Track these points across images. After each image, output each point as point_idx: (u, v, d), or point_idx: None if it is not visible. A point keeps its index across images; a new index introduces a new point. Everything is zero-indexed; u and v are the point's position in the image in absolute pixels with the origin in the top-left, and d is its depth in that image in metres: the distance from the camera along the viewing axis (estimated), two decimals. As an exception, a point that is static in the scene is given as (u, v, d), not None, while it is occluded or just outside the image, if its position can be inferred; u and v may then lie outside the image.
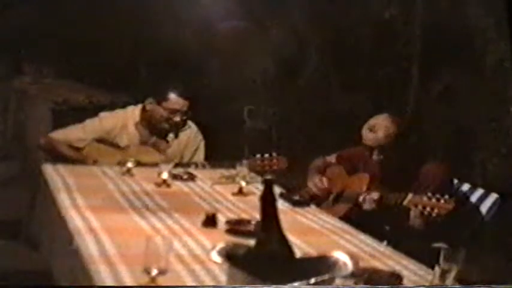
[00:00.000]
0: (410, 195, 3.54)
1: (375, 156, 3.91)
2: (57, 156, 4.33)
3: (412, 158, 3.85)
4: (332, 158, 4.27)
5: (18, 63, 6.37)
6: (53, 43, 5.96)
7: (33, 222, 3.85)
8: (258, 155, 4.19)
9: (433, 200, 3.42)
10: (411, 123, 4.30)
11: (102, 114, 4.56)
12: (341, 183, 4.01)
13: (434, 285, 2.32)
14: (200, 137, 4.61)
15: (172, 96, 4.45)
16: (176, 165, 4.13)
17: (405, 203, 3.54)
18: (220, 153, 4.70)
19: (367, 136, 3.93)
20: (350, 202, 3.81)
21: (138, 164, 4.13)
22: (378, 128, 3.88)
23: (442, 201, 3.40)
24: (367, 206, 3.70)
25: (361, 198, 3.75)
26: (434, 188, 3.58)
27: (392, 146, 3.85)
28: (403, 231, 3.57)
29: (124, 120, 4.51)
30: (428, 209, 3.42)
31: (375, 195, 3.69)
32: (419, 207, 3.46)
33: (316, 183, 4.02)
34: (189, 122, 4.59)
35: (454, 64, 5.51)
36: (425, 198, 3.45)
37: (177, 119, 4.48)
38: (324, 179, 4.06)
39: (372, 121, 3.94)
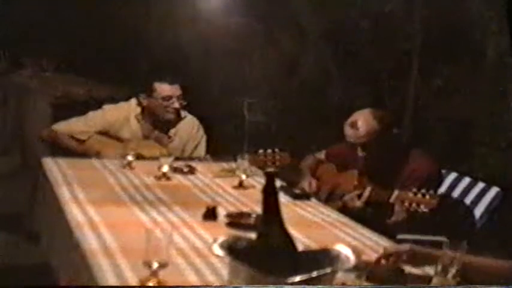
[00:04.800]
0: (396, 192, 3.52)
1: (359, 153, 3.87)
2: (59, 149, 4.32)
3: (397, 152, 3.82)
4: (321, 155, 4.26)
5: (17, 57, 6.37)
6: (52, 37, 5.96)
7: (34, 216, 3.84)
8: (261, 151, 4.16)
9: (419, 196, 3.41)
10: (394, 117, 4.21)
11: (106, 107, 4.56)
12: (332, 181, 3.99)
13: (434, 285, 2.31)
14: (202, 132, 4.60)
15: (158, 84, 4.46)
16: (177, 159, 4.12)
17: (392, 199, 3.52)
18: (220, 147, 4.70)
19: (348, 133, 3.84)
20: (340, 200, 3.79)
21: (139, 157, 4.12)
22: (359, 124, 3.80)
23: (427, 196, 3.39)
24: (358, 204, 3.68)
25: (347, 197, 3.72)
26: (420, 183, 3.56)
27: (375, 142, 3.78)
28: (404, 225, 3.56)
29: (127, 113, 4.52)
30: (414, 205, 3.41)
31: (366, 192, 3.67)
32: (406, 203, 3.45)
33: (305, 186, 4.00)
34: (192, 117, 4.59)
35: (454, 58, 5.50)
36: (411, 194, 3.44)
37: (176, 105, 4.48)
38: (314, 182, 4.04)
39: (353, 117, 3.85)
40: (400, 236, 3.22)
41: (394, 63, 5.93)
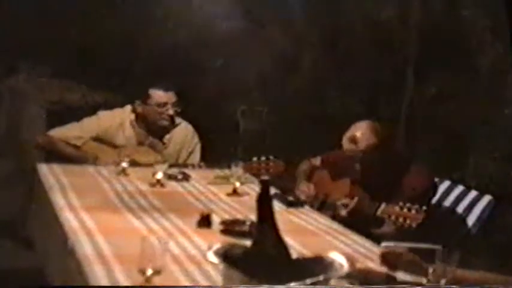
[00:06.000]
0: (383, 205, 3.53)
1: (356, 166, 3.88)
2: (55, 155, 4.33)
3: (394, 167, 3.83)
4: (317, 161, 4.26)
5: (13, 61, 6.35)
6: (48, 42, 5.95)
7: (28, 222, 3.84)
8: (255, 158, 4.17)
9: (405, 210, 3.42)
10: (392, 130, 4.21)
11: (101, 113, 4.57)
12: (325, 189, 3.99)
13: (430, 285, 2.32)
14: (197, 139, 4.61)
15: (153, 91, 4.48)
16: (171, 166, 4.12)
17: (379, 213, 3.54)
18: (214, 154, 4.70)
19: (348, 147, 3.85)
20: (332, 209, 3.80)
21: (133, 163, 4.13)
22: (358, 139, 3.81)
23: (413, 211, 3.40)
24: (343, 213, 3.69)
25: (337, 205, 3.74)
26: (416, 198, 3.56)
27: (373, 157, 3.79)
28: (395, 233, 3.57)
29: (121, 119, 4.52)
30: (400, 219, 3.42)
31: (352, 203, 3.68)
32: (392, 217, 3.46)
33: (303, 190, 4.01)
34: (187, 124, 4.60)
35: (449, 66, 5.52)
36: (397, 208, 3.45)
37: (170, 112, 4.49)
38: (311, 186, 4.05)
39: (352, 131, 3.86)
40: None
41: (389, 71, 5.95)
